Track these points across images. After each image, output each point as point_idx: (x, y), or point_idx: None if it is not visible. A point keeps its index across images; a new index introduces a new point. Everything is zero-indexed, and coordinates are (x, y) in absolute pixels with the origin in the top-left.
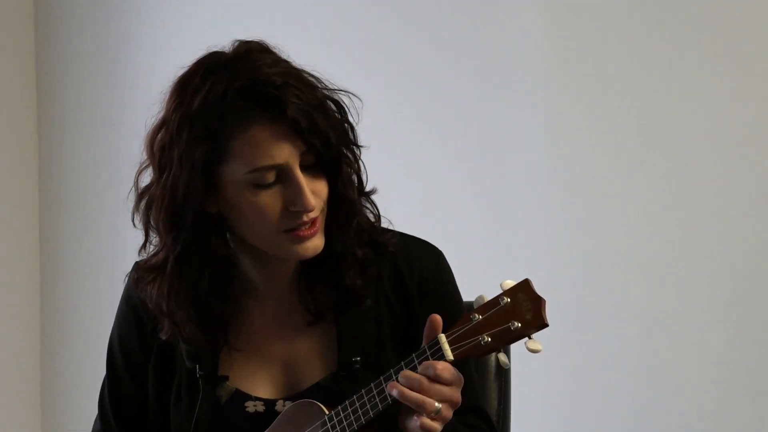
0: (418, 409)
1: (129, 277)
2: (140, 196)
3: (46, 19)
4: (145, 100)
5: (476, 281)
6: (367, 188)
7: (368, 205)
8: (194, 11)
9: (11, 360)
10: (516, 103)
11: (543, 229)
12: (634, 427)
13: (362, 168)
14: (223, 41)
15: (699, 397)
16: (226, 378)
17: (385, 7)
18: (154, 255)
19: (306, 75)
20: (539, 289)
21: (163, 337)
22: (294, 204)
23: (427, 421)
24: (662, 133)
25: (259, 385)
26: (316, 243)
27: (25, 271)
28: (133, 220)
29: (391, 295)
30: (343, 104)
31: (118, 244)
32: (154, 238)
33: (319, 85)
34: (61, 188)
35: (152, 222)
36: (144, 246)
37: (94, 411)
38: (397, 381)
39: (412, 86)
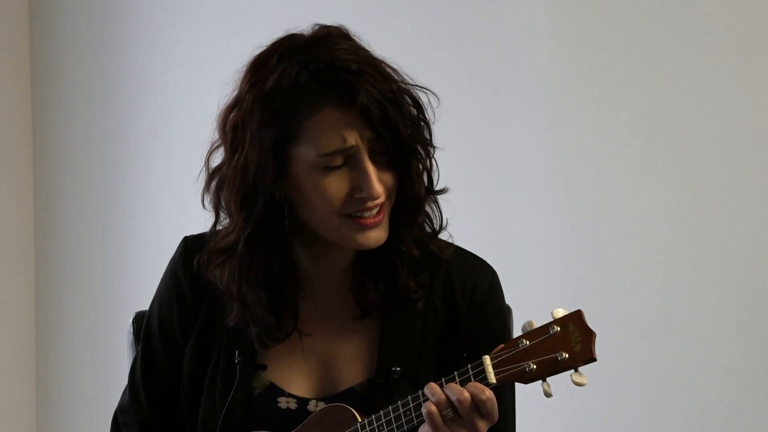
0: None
1: (176, 252)
2: (211, 177)
3: (41, 16)
4: (140, 97)
5: None
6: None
7: (434, 208)
8: (189, 10)
9: (6, 361)
10: (520, 100)
11: (548, 228)
12: (640, 429)
13: (434, 167)
14: (217, 40)
15: (707, 400)
16: (265, 367)
17: (387, 5)
18: (225, 237)
19: (384, 66)
20: (543, 287)
21: (231, 323)
22: (360, 190)
23: (434, 410)
24: (669, 130)
25: (295, 380)
26: (379, 234)
27: (19, 272)
28: (203, 201)
29: (439, 307)
30: (419, 101)
31: (114, 243)
32: (224, 220)
33: (397, 79)
34: (56, 186)
35: (223, 203)
36: (214, 227)
37: (89, 412)
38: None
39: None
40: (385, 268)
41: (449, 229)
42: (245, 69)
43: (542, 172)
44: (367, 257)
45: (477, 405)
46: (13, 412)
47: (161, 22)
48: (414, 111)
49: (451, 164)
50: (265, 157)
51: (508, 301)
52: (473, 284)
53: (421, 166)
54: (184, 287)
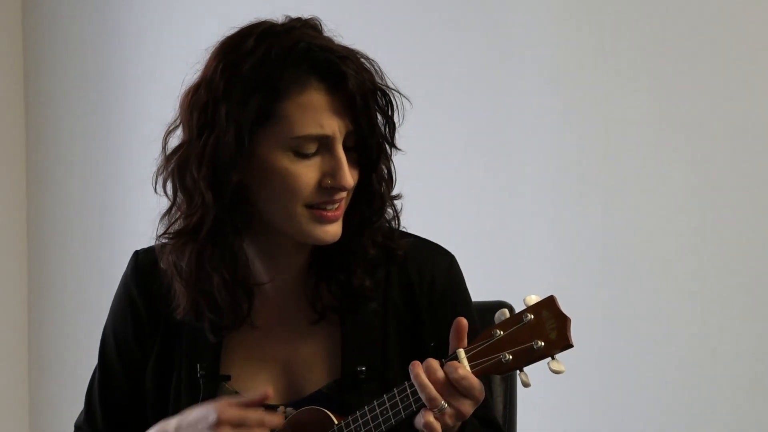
0: (424, 399)
1: (128, 268)
2: (170, 157)
3: (33, 16)
4: (131, 97)
5: (485, 281)
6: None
7: (390, 209)
8: (182, 5)
9: None
10: (525, 98)
11: (554, 228)
12: (648, 430)
13: (393, 169)
14: (208, 39)
15: (714, 403)
16: (228, 378)
17: (389, 3)
18: (186, 218)
19: (364, 61)
20: (549, 287)
21: (178, 316)
22: (332, 178)
23: (431, 418)
24: (678, 127)
25: (260, 387)
26: (336, 229)
27: (12, 273)
28: (154, 185)
29: (399, 301)
30: (394, 100)
31: (107, 244)
32: (181, 203)
33: (376, 76)
34: (49, 186)
35: (187, 183)
36: (169, 211)
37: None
38: (412, 366)
39: (418, 82)
40: (339, 269)
41: (455, 226)
42: (215, 49)
43: (547, 172)
44: (320, 259)
45: (454, 384)
46: (7, 415)
47: (156, 16)
48: (386, 109)
49: (455, 163)
50: (241, 136)
51: (512, 302)
52: (431, 272)
53: (385, 168)
54: (138, 303)
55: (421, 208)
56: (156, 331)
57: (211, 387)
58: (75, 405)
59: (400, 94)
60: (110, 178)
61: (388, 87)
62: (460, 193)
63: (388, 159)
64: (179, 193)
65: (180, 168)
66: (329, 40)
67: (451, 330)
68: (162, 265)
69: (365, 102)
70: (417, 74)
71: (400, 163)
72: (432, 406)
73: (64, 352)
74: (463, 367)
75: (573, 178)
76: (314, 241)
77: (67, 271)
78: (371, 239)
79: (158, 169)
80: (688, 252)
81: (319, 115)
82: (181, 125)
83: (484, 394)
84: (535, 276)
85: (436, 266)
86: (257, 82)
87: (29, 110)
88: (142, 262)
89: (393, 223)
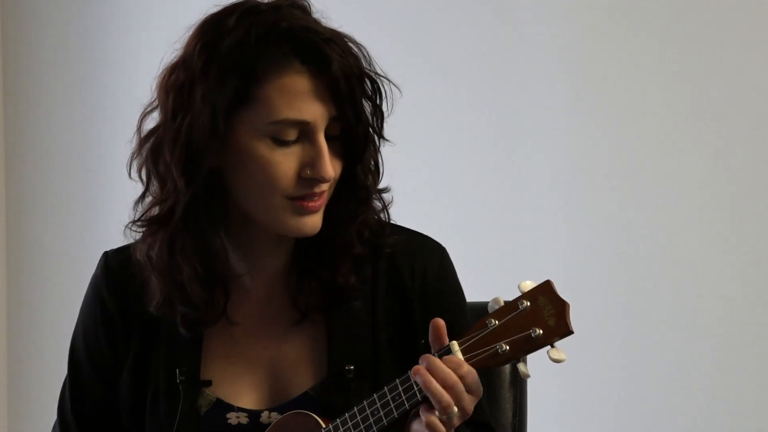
0: (436, 405)
1: (97, 269)
2: (144, 140)
3: (12, 16)
4: (118, 92)
5: (492, 281)
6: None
7: (378, 203)
8: (167, 9)
9: None
10: (536, 95)
11: (565, 224)
12: (658, 429)
13: (381, 161)
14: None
15: (735, 404)
16: (209, 383)
17: (392, 6)
18: (159, 204)
19: (352, 45)
20: (561, 288)
21: (153, 311)
22: (312, 168)
23: (435, 420)
24: (697, 118)
25: (242, 392)
26: (315, 220)
27: None
28: (129, 169)
29: (388, 298)
30: (382, 88)
31: (89, 243)
32: (155, 189)
33: (363, 62)
34: (29, 186)
35: (160, 167)
36: (142, 197)
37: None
38: (419, 372)
39: (422, 69)
40: (323, 266)
41: (463, 223)
42: (196, 28)
43: (560, 163)
44: (303, 255)
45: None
46: None
47: (141, 14)
48: (374, 97)
49: (465, 158)
50: (216, 119)
51: None
52: (422, 266)
53: (372, 159)
54: (109, 304)
55: (427, 202)
56: (131, 334)
57: (191, 393)
58: (54, 408)
59: (389, 81)
60: (90, 173)
61: (376, 74)
62: (466, 186)
63: (375, 150)
64: (153, 179)
65: (153, 152)
66: (315, 22)
67: (430, 333)
68: (137, 257)
69: (350, 87)
70: (421, 60)
71: (406, 155)
72: (444, 412)
73: (43, 354)
74: (464, 362)
75: (587, 171)
76: (293, 233)
77: (47, 270)
78: (357, 234)
79: (132, 153)
80: (708, 248)
81: (299, 100)
82: (157, 107)
83: (482, 391)
84: (545, 275)
85: (428, 258)
86: (236, 62)
87: (7, 107)
88: (113, 263)
89: (382, 216)
